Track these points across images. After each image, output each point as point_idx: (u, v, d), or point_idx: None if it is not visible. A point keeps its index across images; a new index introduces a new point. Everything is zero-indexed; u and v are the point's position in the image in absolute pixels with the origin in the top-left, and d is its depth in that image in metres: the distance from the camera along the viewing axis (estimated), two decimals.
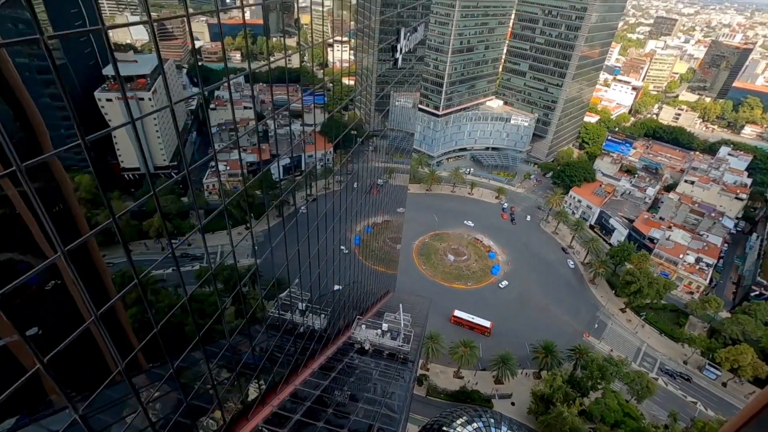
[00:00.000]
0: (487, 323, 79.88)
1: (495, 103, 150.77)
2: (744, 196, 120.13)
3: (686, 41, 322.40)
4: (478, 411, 60.88)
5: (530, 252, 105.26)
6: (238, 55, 12.62)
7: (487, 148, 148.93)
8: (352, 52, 24.12)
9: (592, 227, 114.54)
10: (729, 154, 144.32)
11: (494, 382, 72.36)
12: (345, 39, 21.82)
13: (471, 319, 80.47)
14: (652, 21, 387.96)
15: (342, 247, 29.53)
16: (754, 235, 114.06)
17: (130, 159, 9.19)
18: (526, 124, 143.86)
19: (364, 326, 34.05)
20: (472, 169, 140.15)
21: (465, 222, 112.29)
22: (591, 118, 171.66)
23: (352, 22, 22.43)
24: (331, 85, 21.81)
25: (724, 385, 74.65)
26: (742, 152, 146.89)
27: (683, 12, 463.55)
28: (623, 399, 64.24)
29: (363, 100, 29.67)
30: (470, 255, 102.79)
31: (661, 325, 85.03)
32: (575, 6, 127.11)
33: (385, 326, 33.94)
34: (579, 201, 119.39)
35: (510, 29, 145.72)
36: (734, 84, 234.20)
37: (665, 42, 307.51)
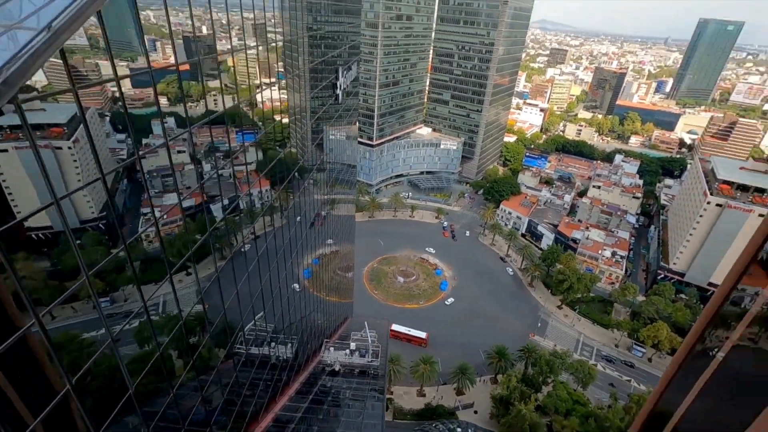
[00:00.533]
0: (422, 334, 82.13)
1: (424, 131, 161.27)
2: (639, 195, 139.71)
3: (577, 68, 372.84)
4: (445, 423, 62.79)
5: (473, 265, 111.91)
6: (164, 100, 12.49)
7: (422, 173, 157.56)
8: (291, 91, 26.22)
9: (523, 235, 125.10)
10: (622, 161, 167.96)
11: (456, 393, 74.75)
12: (275, 80, 23.38)
13: (408, 332, 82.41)
14: (548, 52, 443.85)
15: (295, 285, 30.27)
16: (652, 227, 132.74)
17: (38, 218, 8.11)
18: (455, 147, 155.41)
19: (332, 348, 34.86)
20: (410, 193, 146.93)
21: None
22: (510, 138, 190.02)
23: (281, 64, 24.37)
24: (265, 123, 22.21)
25: (650, 360, 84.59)
26: (632, 158, 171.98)
27: (571, 44, 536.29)
28: (571, 388, 70.05)
29: (303, 137, 31.43)
30: (419, 275, 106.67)
31: (592, 316, 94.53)
32: (484, 41, 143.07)
33: (353, 345, 35.03)
34: (509, 213, 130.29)
35: (430, 63, 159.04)
36: (617, 102, 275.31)
37: (561, 69, 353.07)
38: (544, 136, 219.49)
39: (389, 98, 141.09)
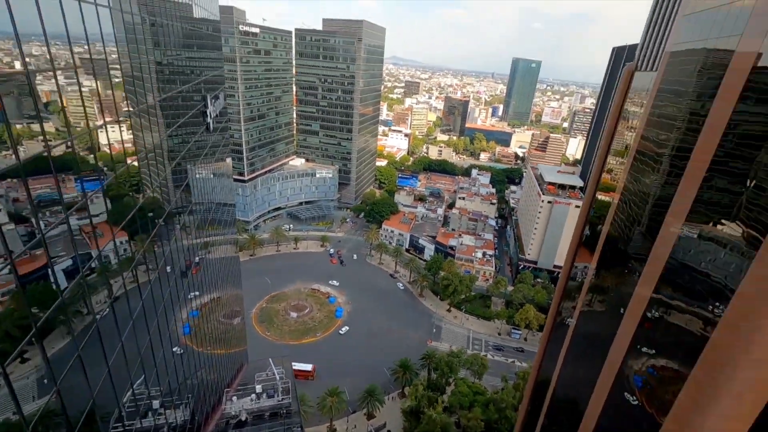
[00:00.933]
0: (308, 367, 78.97)
1: (298, 162, 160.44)
2: (495, 201, 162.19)
3: (430, 98, 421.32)
4: None
5: (365, 286, 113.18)
6: None
7: (301, 203, 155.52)
8: (144, 130, 23.08)
9: (407, 250, 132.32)
10: (478, 174, 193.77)
11: (367, 418, 72.91)
12: (121, 119, 20.11)
13: (293, 367, 78.67)
14: (403, 84, 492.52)
15: (176, 348, 26.21)
16: (508, 226, 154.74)
17: None
18: (330, 175, 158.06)
19: (235, 398, 30.38)
20: (291, 226, 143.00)
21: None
22: (381, 163, 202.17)
23: (128, 102, 21.31)
24: (112, 167, 18.77)
25: (525, 339, 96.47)
26: (484, 171, 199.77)
27: (421, 77, 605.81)
28: (470, 382, 74.90)
29: (165, 177, 27.64)
30: (312, 306, 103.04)
31: (477, 312, 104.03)
32: (345, 74, 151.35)
33: (258, 387, 31.14)
34: (392, 231, 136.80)
35: (295, 96, 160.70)
36: (466, 125, 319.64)
37: (417, 99, 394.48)
38: (411, 158, 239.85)
39: (257, 132, 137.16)
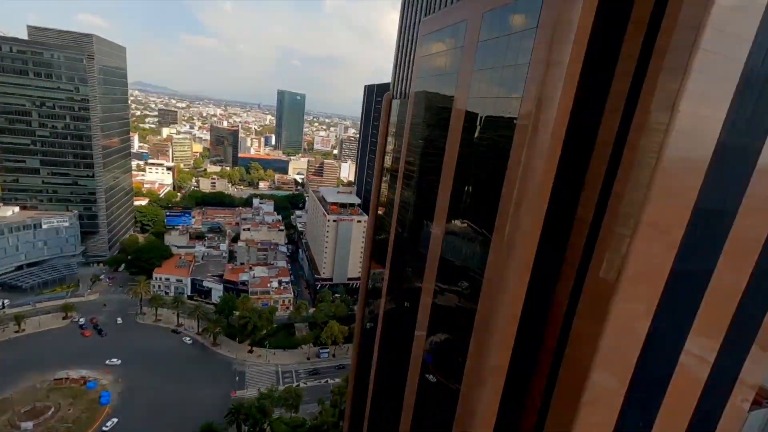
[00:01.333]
0: None
1: (7, 211, 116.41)
2: (282, 228, 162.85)
3: (192, 127, 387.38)
4: None
5: (139, 353, 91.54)
6: None
7: (21, 267, 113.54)
8: None
9: (191, 297, 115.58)
10: (260, 203, 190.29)
11: None
12: None
13: None
14: (156, 113, 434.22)
15: None
16: (300, 250, 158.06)
17: None
18: (67, 224, 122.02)
19: None
20: (7, 301, 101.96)
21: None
22: (142, 201, 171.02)
23: None
24: None
25: (334, 356, 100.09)
26: (266, 200, 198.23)
27: (178, 106, 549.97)
28: (287, 419, 71.23)
29: None
30: (59, 404, 75.72)
31: (282, 344, 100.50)
32: (74, 98, 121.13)
33: None
34: (167, 279, 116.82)
35: None
36: (239, 155, 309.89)
37: (177, 129, 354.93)
38: (179, 194, 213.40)
39: None
